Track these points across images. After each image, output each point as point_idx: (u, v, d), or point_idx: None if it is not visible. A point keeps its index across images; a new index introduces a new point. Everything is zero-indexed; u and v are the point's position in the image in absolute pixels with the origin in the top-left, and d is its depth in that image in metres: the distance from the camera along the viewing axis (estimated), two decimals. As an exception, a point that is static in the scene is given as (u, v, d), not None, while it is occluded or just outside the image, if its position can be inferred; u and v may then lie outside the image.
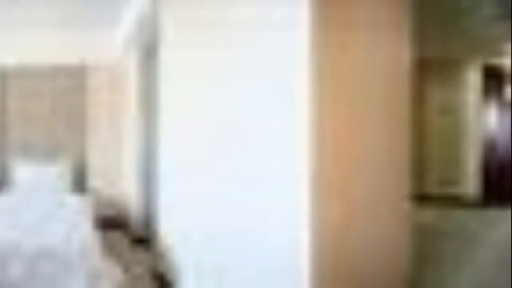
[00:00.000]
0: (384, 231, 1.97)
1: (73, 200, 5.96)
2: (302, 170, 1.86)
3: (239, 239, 2.59)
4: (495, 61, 7.72)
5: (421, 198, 7.42)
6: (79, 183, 7.32)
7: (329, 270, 1.86)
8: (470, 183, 7.68)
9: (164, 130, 4.54)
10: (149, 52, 5.77)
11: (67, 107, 7.47)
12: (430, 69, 7.86)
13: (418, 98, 7.89)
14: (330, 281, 1.86)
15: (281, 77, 2.06)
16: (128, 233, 6.48)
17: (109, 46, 7.32)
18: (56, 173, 6.97)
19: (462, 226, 5.13)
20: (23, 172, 7.01)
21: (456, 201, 7.43)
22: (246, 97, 2.50)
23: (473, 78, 7.74)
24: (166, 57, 4.44)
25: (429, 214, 6.00)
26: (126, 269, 4.78)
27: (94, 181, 7.36)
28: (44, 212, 4.99)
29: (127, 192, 6.89)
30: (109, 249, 5.50)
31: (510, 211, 6.08)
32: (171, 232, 4.22)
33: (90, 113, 7.43)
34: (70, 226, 4.29)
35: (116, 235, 6.38)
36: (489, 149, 7.92)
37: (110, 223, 6.78)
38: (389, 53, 1.99)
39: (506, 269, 3.37)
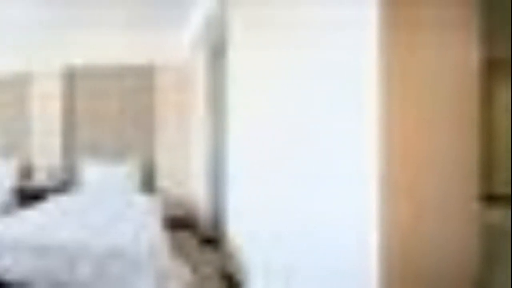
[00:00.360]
0: (452, 232, 1.98)
1: (142, 200, 6.10)
2: (371, 171, 1.90)
3: (307, 240, 2.63)
4: None
5: (489, 198, 7.28)
6: (148, 183, 7.47)
7: (398, 270, 1.88)
8: (538, 183, 7.49)
9: (232, 130, 4.57)
10: (216, 52, 5.84)
11: (135, 107, 7.66)
12: (498, 69, 7.69)
13: (486, 98, 7.75)
14: (399, 282, 1.89)
15: (349, 78, 2.10)
16: (196, 233, 6.58)
17: (177, 46, 7.43)
18: (124, 173, 7.13)
19: (531, 226, 5.03)
20: (92, 172, 7.23)
21: (524, 201, 7.26)
22: (314, 97, 2.53)
23: (541, 77, 7.54)
24: (234, 57, 4.48)
25: (497, 214, 5.88)
26: (195, 269, 4.84)
27: (163, 181, 7.47)
28: (113, 212, 5.14)
29: (195, 192, 6.95)
30: (178, 249, 5.60)
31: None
32: (239, 232, 4.23)
33: (158, 113, 7.57)
34: (139, 226, 4.38)
35: (184, 235, 6.49)
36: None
37: (179, 223, 6.91)
38: (458, 53, 2.00)
39: None
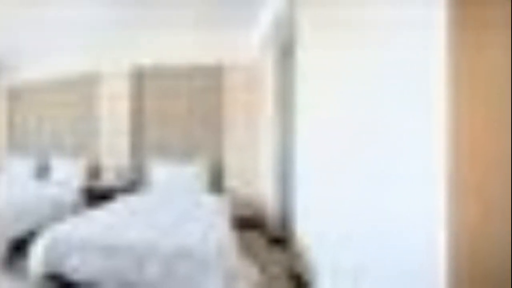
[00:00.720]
0: (520, 231, 1.99)
1: (210, 200, 6.20)
2: (439, 170, 1.94)
3: (375, 239, 2.66)
4: None
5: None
6: (216, 183, 7.58)
7: (466, 270, 1.91)
8: None
9: (300, 130, 4.60)
10: (285, 52, 5.89)
11: (203, 107, 7.79)
12: None
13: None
14: (467, 282, 1.91)
15: (417, 77, 2.14)
16: (264, 233, 6.66)
17: (245, 46, 7.50)
18: (192, 173, 7.25)
19: None
20: (160, 172, 7.40)
21: None
22: (382, 97, 2.57)
23: None
24: (302, 57, 4.52)
25: None
26: (263, 269, 4.91)
27: (231, 181, 7.56)
28: (181, 212, 5.23)
29: (264, 192, 7.00)
30: (246, 249, 5.68)
31: None
32: (307, 232, 4.26)
33: (226, 113, 7.67)
34: (207, 226, 4.45)
35: (252, 235, 6.58)
36: None
37: (247, 223, 7.00)
38: (526, 52, 2.01)
39: None
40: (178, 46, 7.77)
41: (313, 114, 4.10)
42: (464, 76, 1.90)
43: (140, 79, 8.03)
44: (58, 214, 6.48)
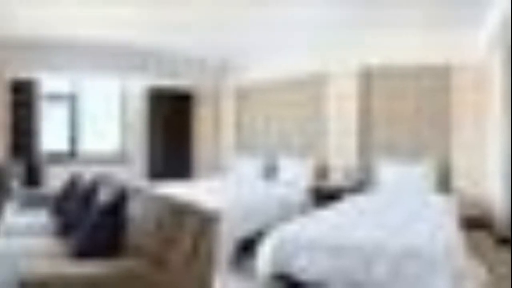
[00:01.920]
0: None
1: (438, 200, 6.35)
2: None
3: None
4: None
5: None
6: (443, 183, 7.62)
7: None
8: None
9: None
10: (513, 53, 5.84)
11: (431, 107, 7.89)
12: None
13: None
14: None
15: None
16: (492, 233, 6.63)
17: (473, 46, 7.45)
18: (420, 173, 7.43)
19: None
20: (387, 171, 7.69)
21: None
22: None
23: None
24: None
25: None
26: (490, 269, 4.95)
27: (458, 181, 7.56)
28: (409, 212, 5.35)
29: (492, 192, 6.92)
30: (473, 249, 5.70)
31: None
32: None
33: (454, 113, 7.66)
34: (435, 226, 4.47)
35: (480, 235, 6.61)
36: None
37: (474, 223, 6.97)
38: None
39: None
40: (405, 46, 7.96)
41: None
42: None
43: (368, 79, 8.40)
44: (285, 214, 6.73)
